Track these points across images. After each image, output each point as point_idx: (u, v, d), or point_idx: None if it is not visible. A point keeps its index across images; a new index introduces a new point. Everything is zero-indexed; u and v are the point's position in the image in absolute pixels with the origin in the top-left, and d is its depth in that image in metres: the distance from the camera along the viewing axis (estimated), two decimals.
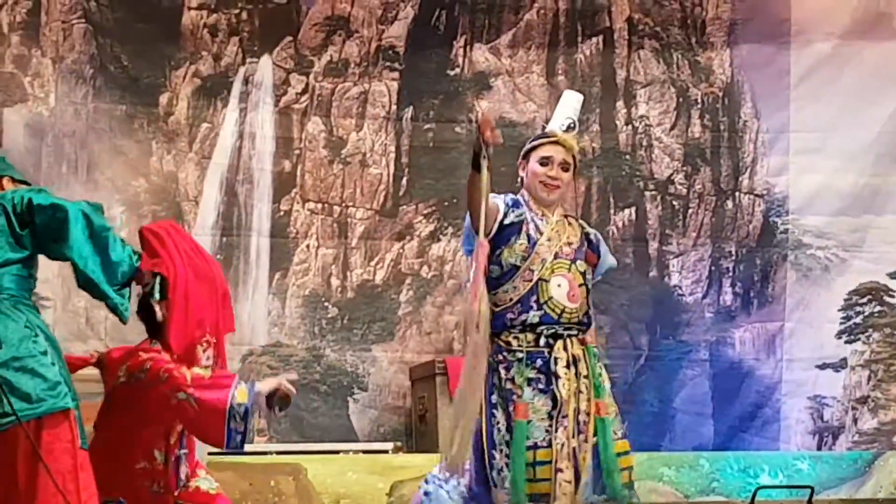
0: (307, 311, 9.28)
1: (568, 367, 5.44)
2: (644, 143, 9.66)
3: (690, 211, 9.66)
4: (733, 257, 9.63)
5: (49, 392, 4.62)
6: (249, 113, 9.31)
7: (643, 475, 7.77)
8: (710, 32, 9.69)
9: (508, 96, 9.56)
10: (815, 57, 9.58)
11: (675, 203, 9.66)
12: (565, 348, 5.47)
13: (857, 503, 8.34)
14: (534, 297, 5.48)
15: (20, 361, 4.61)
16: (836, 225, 9.56)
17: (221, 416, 4.76)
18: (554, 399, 5.41)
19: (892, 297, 9.54)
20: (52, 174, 8.83)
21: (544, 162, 5.65)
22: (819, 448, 9.38)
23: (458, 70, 9.59)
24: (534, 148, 5.70)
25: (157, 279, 4.94)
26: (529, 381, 5.44)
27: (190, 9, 9.32)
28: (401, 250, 9.43)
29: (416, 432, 8.86)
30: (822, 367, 9.50)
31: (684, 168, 9.69)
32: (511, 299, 5.50)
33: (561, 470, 5.35)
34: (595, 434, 5.42)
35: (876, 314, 9.53)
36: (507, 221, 5.58)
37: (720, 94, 9.70)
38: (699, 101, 9.70)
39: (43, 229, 4.71)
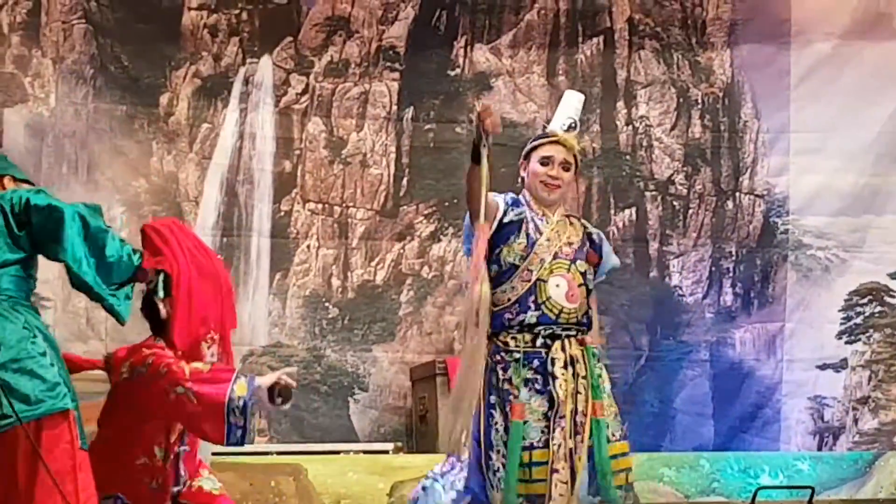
0: (308, 311, 9.28)
1: (565, 367, 5.43)
2: (644, 143, 9.66)
3: (691, 211, 9.66)
4: (734, 258, 9.64)
5: (48, 393, 4.61)
6: (250, 113, 9.31)
7: (643, 475, 7.78)
8: (710, 33, 9.70)
9: (509, 97, 9.56)
10: (816, 57, 9.59)
11: (675, 203, 9.67)
12: (563, 349, 5.46)
13: (857, 503, 8.34)
14: (532, 298, 5.47)
15: (19, 363, 4.60)
16: (836, 225, 9.57)
17: (220, 410, 4.73)
18: (551, 400, 5.40)
19: (893, 297, 9.54)
20: (53, 174, 8.83)
21: (545, 161, 5.65)
22: (819, 448, 9.38)
23: (458, 70, 9.59)
24: (534, 148, 5.69)
25: (161, 276, 4.92)
26: (526, 381, 5.43)
27: (190, 9, 9.32)
28: (401, 251, 9.43)
29: (417, 433, 8.86)
30: (823, 367, 9.50)
31: (685, 168, 9.69)
32: (509, 299, 5.50)
33: (557, 471, 5.34)
34: (591, 435, 5.42)
35: (876, 314, 9.54)
36: (506, 220, 5.57)
37: (720, 94, 9.71)
38: (699, 101, 9.70)
39: (39, 230, 4.70)
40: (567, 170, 5.66)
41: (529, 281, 5.49)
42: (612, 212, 9.57)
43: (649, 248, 9.62)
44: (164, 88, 9.20)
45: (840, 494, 8.37)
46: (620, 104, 9.67)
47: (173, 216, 8.80)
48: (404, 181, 9.49)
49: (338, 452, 8.23)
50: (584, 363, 5.48)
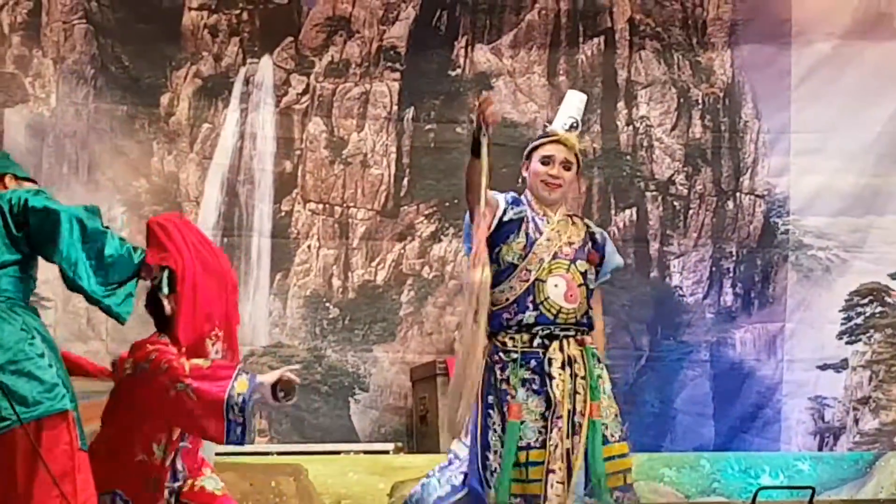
0: (308, 311, 9.28)
1: (563, 367, 5.43)
2: (645, 143, 9.66)
3: (691, 211, 9.66)
4: (734, 258, 9.64)
5: (46, 395, 4.60)
6: (250, 113, 9.31)
7: (644, 476, 7.79)
8: (710, 33, 9.70)
9: (510, 97, 9.56)
10: (816, 57, 9.59)
11: (675, 204, 9.67)
12: (561, 349, 5.45)
13: (857, 503, 8.34)
14: (530, 298, 5.47)
15: (16, 365, 4.59)
16: (836, 225, 9.56)
17: (219, 407, 4.71)
18: (548, 400, 5.40)
19: (893, 297, 9.54)
20: (54, 175, 8.83)
21: (545, 161, 5.65)
22: (820, 449, 9.38)
23: (459, 70, 9.59)
24: (536, 147, 5.70)
25: (166, 273, 4.90)
26: (524, 381, 5.43)
27: (191, 9, 9.31)
28: (402, 251, 9.43)
29: (417, 433, 8.86)
30: (823, 367, 9.50)
31: (685, 169, 9.69)
32: (507, 299, 5.50)
33: (553, 471, 5.34)
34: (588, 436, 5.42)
35: (877, 315, 9.53)
36: (506, 218, 5.57)
37: (721, 94, 9.71)
38: (700, 101, 9.70)
39: (36, 232, 4.70)
40: (568, 169, 5.66)
41: (528, 281, 5.49)
42: (613, 212, 9.56)
43: (650, 248, 9.62)
44: (165, 88, 9.20)
45: (840, 495, 8.37)
46: (621, 104, 9.67)
47: None
48: (405, 181, 9.49)
49: (338, 453, 8.23)
50: (583, 363, 5.48)
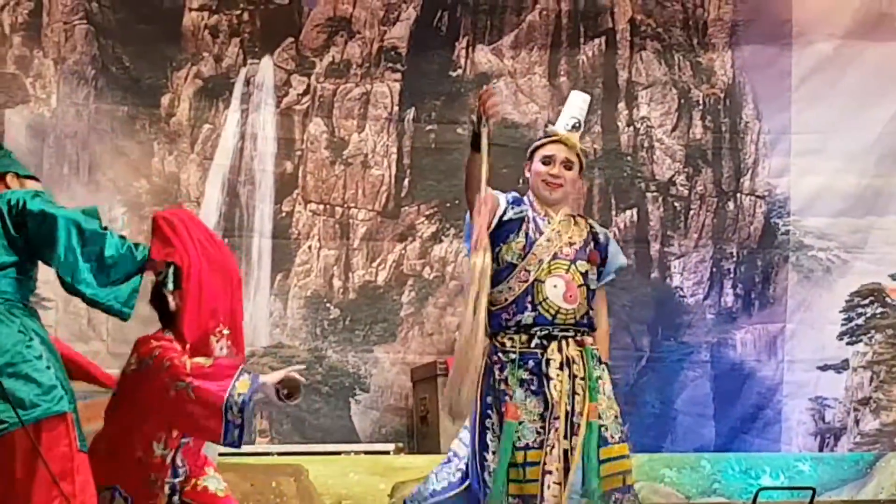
0: (309, 312, 9.28)
1: (561, 368, 5.42)
2: (645, 144, 9.66)
3: (692, 212, 9.66)
4: (734, 259, 9.64)
5: (43, 397, 4.60)
6: (251, 114, 9.31)
7: (644, 476, 7.80)
8: (711, 34, 9.70)
9: (510, 97, 9.55)
10: (817, 58, 9.59)
11: (676, 204, 9.67)
12: (560, 350, 5.45)
13: None
14: (528, 298, 5.47)
15: (14, 367, 4.59)
16: (837, 226, 9.57)
17: (218, 407, 4.68)
18: (546, 401, 5.39)
19: (890, 297, 9.53)
20: (54, 175, 8.82)
21: (546, 160, 5.65)
22: (821, 449, 9.38)
23: (460, 71, 9.59)
24: (537, 147, 5.70)
25: (171, 269, 4.89)
26: (522, 382, 5.43)
27: (191, 10, 9.31)
28: (403, 251, 9.43)
29: (418, 433, 8.86)
30: (824, 368, 9.50)
31: (686, 169, 9.69)
32: (506, 299, 5.49)
33: (550, 472, 5.34)
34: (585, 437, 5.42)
35: (878, 315, 9.54)
36: (506, 217, 5.57)
37: (721, 95, 9.71)
38: (701, 102, 9.70)
39: (33, 235, 4.69)
40: (569, 168, 5.65)
41: (527, 281, 5.49)
42: (614, 213, 9.56)
43: (650, 249, 9.62)
44: (166, 89, 9.20)
45: (841, 495, 8.37)
46: (622, 105, 9.67)
47: None
48: (406, 182, 9.49)
49: (339, 453, 8.22)
50: (583, 364, 5.47)
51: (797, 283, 9.57)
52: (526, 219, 5.58)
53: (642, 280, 9.54)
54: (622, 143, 9.65)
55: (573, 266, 5.54)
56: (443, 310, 9.37)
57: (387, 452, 8.30)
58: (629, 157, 9.65)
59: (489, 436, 5.42)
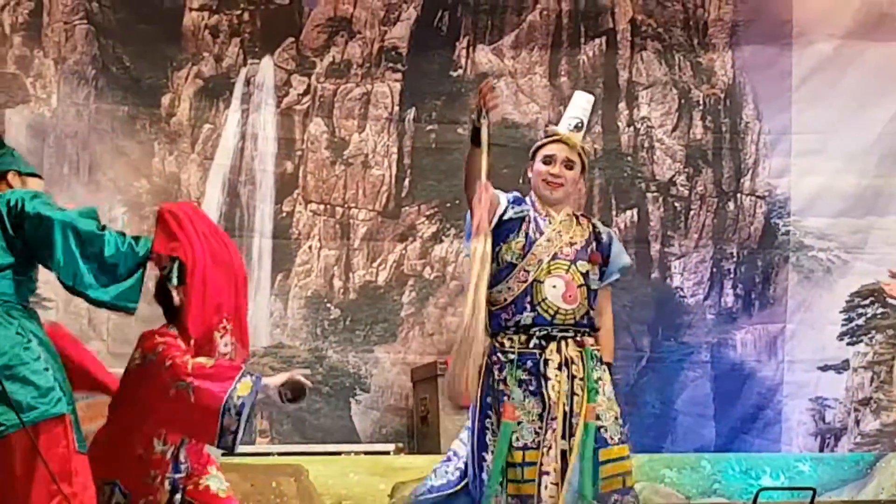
0: (309, 312, 9.28)
1: (560, 369, 5.42)
2: (646, 144, 9.66)
3: (692, 212, 9.66)
4: (735, 259, 9.64)
5: (41, 400, 4.59)
6: (251, 114, 9.31)
7: (645, 477, 7.80)
8: (712, 34, 9.70)
9: (511, 97, 9.55)
10: (817, 58, 9.59)
11: (676, 205, 9.67)
12: (559, 350, 5.45)
13: None
14: (528, 299, 5.47)
15: (11, 370, 4.58)
16: (837, 226, 9.57)
17: (216, 409, 4.64)
18: (544, 401, 5.39)
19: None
20: (54, 175, 8.82)
21: (547, 160, 5.65)
22: (821, 450, 9.38)
23: (460, 71, 9.59)
24: (539, 147, 5.70)
25: (175, 264, 4.87)
26: (520, 382, 5.42)
27: (191, 10, 9.31)
28: (403, 251, 9.43)
29: (418, 433, 8.86)
30: (824, 368, 9.51)
31: (686, 169, 9.69)
32: (505, 300, 5.49)
33: (547, 473, 5.34)
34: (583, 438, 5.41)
35: (878, 315, 9.54)
36: (506, 216, 5.57)
37: (722, 95, 9.71)
38: (701, 102, 9.70)
39: (30, 238, 4.68)
40: (570, 168, 5.65)
41: (526, 282, 5.48)
42: (614, 213, 9.56)
43: (651, 249, 9.62)
44: (166, 89, 9.20)
45: (841, 496, 8.37)
46: (622, 105, 9.67)
47: None
48: (406, 182, 9.49)
49: (339, 453, 8.21)
50: (582, 365, 5.47)
51: (797, 283, 9.57)
52: (527, 219, 5.58)
53: (643, 280, 9.54)
54: (623, 144, 9.65)
55: (573, 266, 5.53)
56: (443, 310, 9.37)
57: (387, 453, 8.29)
58: (629, 158, 9.65)
59: (488, 436, 5.42)
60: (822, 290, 9.56)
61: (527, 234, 5.54)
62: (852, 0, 9.61)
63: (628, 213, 9.60)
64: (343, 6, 9.49)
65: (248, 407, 4.67)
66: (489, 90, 5.42)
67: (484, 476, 5.38)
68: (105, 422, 4.95)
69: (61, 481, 4.56)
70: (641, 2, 9.67)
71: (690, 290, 9.61)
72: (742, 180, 9.68)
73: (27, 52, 8.97)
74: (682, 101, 9.68)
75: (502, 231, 5.54)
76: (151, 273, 4.87)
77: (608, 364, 5.61)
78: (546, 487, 5.32)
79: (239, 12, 9.36)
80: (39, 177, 5.11)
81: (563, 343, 5.45)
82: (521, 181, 5.74)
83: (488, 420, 5.44)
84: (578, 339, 5.49)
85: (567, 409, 5.39)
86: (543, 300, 5.46)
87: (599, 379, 5.49)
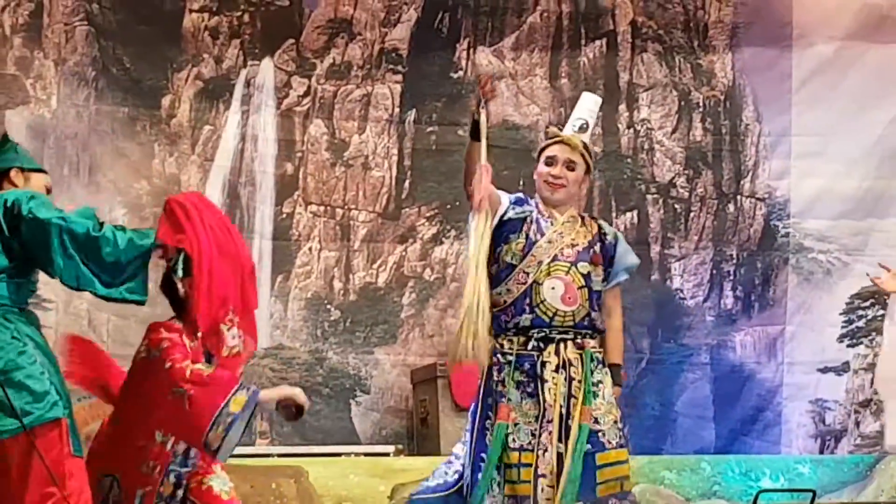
0: (309, 313, 9.27)
1: (557, 371, 5.42)
2: (646, 146, 9.66)
3: (692, 214, 9.66)
4: (735, 261, 9.64)
5: (36, 405, 4.58)
6: (251, 115, 9.30)
7: (644, 478, 7.81)
8: (712, 36, 9.70)
9: (511, 99, 9.55)
10: (818, 60, 9.59)
11: (676, 206, 9.67)
12: (557, 352, 5.45)
13: None
14: (527, 300, 5.47)
15: (6, 375, 4.58)
16: (837, 228, 9.57)
17: (203, 426, 4.64)
18: (541, 403, 5.39)
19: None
20: (54, 176, 8.61)
21: (549, 161, 5.66)
22: (821, 452, 9.38)
23: (461, 73, 9.58)
24: (543, 149, 5.71)
25: (181, 256, 4.83)
26: (518, 384, 5.44)
27: (191, 11, 9.30)
28: (403, 253, 9.43)
29: (418, 435, 8.86)
30: (824, 370, 9.51)
31: (686, 171, 9.69)
32: (505, 301, 5.50)
33: (543, 475, 5.34)
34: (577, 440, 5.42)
35: (878, 318, 9.51)
36: (507, 216, 5.58)
37: (722, 97, 9.71)
38: (701, 104, 9.70)
39: (27, 240, 4.67)
40: (572, 169, 5.65)
41: (525, 283, 5.49)
42: (614, 215, 9.56)
43: (650, 251, 9.61)
44: (166, 90, 9.19)
45: (841, 498, 8.37)
46: (622, 107, 9.67)
47: None
48: (406, 184, 9.48)
49: (339, 455, 8.22)
50: (581, 367, 5.47)
51: (797, 285, 9.57)
52: (529, 219, 5.58)
53: (642, 282, 9.52)
54: (622, 145, 9.65)
55: (573, 268, 5.54)
56: (443, 312, 9.37)
57: (387, 454, 8.30)
58: (629, 159, 9.65)
59: (487, 437, 5.43)
60: (822, 292, 9.56)
61: (527, 236, 5.55)
62: (853, 2, 9.60)
63: (628, 214, 9.60)
64: (343, 8, 9.48)
65: (239, 422, 4.66)
66: (488, 81, 5.42)
67: (479, 476, 5.38)
68: (111, 413, 4.95)
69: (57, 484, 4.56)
70: (642, 4, 9.67)
71: (690, 292, 9.61)
72: (742, 182, 9.68)
73: (27, 54, 8.96)
74: (683, 102, 9.68)
75: (503, 231, 5.55)
76: (160, 265, 4.87)
77: (618, 365, 5.61)
78: (542, 490, 5.33)
79: (239, 14, 9.36)
80: (44, 172, 5.09)
81: (561, 345, 5.45)
82: (521, 183, 5.74)
83: (488, 421, 5.45)
84: (578, 341, 5.50)
85: (564, 411, 5.39)
86: (542, 302, 5.46)
87: (599, 382, 5.49)
